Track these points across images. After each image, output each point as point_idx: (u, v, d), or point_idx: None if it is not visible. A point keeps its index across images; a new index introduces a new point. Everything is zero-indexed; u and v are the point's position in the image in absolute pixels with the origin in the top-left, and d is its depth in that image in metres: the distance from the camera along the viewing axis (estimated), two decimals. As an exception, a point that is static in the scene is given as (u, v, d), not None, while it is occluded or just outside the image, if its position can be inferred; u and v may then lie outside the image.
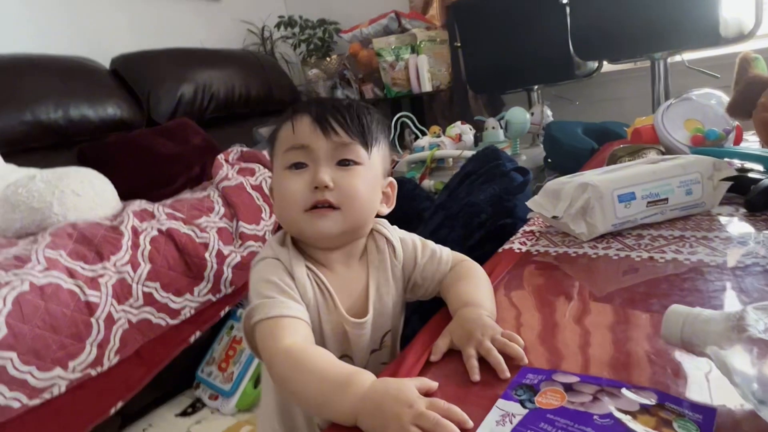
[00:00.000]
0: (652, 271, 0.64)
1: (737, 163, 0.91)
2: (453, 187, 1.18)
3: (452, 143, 1.95)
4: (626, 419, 0.36)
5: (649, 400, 0.38)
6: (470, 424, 0.40)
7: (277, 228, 1.44)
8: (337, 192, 0.57)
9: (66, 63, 1.88)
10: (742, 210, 0.80)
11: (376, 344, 0.64)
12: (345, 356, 0.61)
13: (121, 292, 1.16)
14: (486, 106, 2.52)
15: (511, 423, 0.38)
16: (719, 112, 1.01)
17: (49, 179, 1.32)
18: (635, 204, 0.76)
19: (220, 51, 2.43)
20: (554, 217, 0.79)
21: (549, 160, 1.77)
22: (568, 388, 0.42)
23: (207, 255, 1.31)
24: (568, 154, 1.61)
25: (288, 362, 0.49)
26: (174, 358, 1.25)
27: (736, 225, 0.76)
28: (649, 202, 0.76)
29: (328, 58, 2.81)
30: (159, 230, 1.28)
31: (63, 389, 1.04)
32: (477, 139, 2.00)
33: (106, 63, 2.07)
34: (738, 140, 1.04)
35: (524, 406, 0.40)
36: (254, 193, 1.51)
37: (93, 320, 1.10)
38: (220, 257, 1.33)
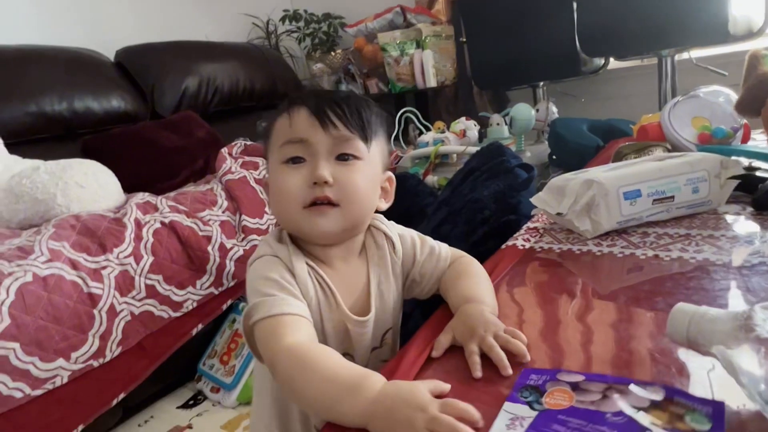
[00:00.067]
0: (657, 270, 0.64)
1: (745, 161, 0.90)
2: (457, 183, 1.17)
3: (456, 139, 1.94)
4: (639, 416, 0.36)
5: (658, 396, 0.38)
6: (482, 423, 0.39)
7: (280, 222, 1.44)
8: (337, 188, 0.55)
9: (71, 55, 1.87)
10: (749, 209, 0.79)
11: (377, 342, 0.63)
12: (346, 354, 0.60)
13: (124, 284, 1.16)
14: (491, 102, 2.51)
15: (522, 426, 0.37)
16: (727, 109, 1.00)
17: (53, 171, 1.32)
18: (641, 201, 0.75)
19: (225, 44, 2.42)
20: (558, 214, 0.79)
21: (554, 157, 1.76)
22: (575, 387, 0.41)
23: (209, 248, 1.31)
24: (573, 151, 1.60)
25: (292, 362, 0.47)
26: (176, 351, 1.26)
27: (743, 224, 0.75)
28: (655, 200, 0.75)
29: (332, 53, 2.80)
30: (162, 223, 1.28)
31: (65, 380, 1.05)
32: (481, 135, 2.00)
33: (110, 55, 2.07)
34: (746, 138, 1.02)
35: (533, 408, 0.39)
36: (257, 187, 1.51)
37: (95, 312, 1.10)
38: (223, 250, 1.33)
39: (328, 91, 0.67)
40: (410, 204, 1.40)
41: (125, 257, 1.18)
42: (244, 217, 1.42)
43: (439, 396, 0.43)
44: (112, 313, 1.13)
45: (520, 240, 0.81)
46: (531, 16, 2.04)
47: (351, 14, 2.79)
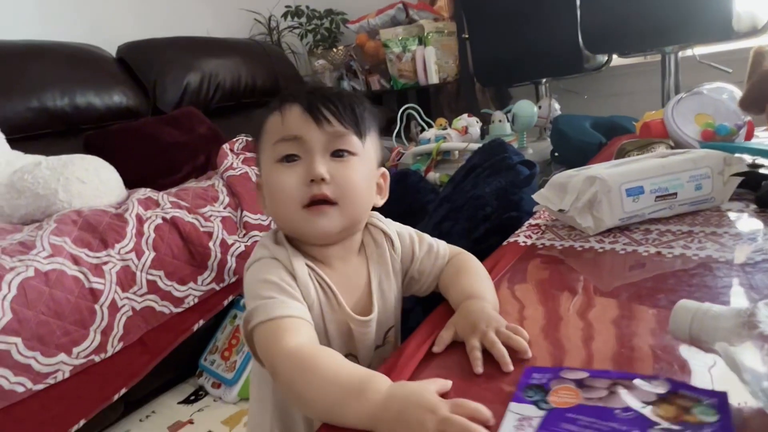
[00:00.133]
0: (660, 267, 0.64)
1: (748, 158, 0.89)
2: (458, 179, 1.17)
3: (458, 136, 1.94)
4: (647, 410, 0.36)
5: (663, 389, 0.38)
6: (494, 421, 0.38)
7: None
8: (334, 185, 0.54)
9: (72, 50, 1.87)
10: (753, 206, 0.78)
11: (380, 340, 0.63)
12: (350, 355, 0.60)
13: (125, 280, 1.16)
14: (493, 99, 2.50)
15: (532, 427, 0.37)
16: (731, 106, 1.00)
17: (54, 166, 1.32)
18: (643, 198, 0.75)
19: (227, 40, 2.42)
20: (560, 211, 0.78)
21: (556, 154, 1.76)
22: (580, 384, 0.41)
23: (211, 244, 1.31)
24: (575, 148, 1.59)
25: (294, 365, 0.46)
26: (177, 346, 1.26)
27: (746, 221, 0.75)
28: (657, 197, 0.75)
29: (334, 49, 2.80)
30: (163, 218, 1.28)
31: (67, 375, 1.05)
32: (483, 132, 1.99)
33: (112, 51, 2.07)
34: (749, 135, 1.02)
35: (539, 408, 0.39)
36: (259, 183, 1.51)
37: (97, 307, 1.10)
38: (224, 246, 1.33)
39: (320, 88, 0.66)
40: (412, 201, 1.40)
41: (126, 253, 1.18)
42: (245, 213, 1.42)
43: (442, 394, 0.42)
44: (114, 308, 1.13)
45: (521, 237, 0.81)
46: (534, 13, 2.03)
47: (353, 10, 2.78)
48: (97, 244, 1.16)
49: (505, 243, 0.80)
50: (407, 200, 1.40)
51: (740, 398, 0.37)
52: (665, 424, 0.34)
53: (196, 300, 1.29)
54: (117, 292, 1.14)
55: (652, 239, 0.71)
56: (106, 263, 1.14)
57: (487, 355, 0.48)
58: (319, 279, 0.57)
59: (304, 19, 2.84)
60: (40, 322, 1.01)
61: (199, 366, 1.44)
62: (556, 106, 2.07)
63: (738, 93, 0.99)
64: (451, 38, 2.43)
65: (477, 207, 1.00)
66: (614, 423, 0.35)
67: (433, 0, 2.57)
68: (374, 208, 0.63)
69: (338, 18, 2.84)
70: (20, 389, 0.98)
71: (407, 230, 0.66)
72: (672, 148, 1.02)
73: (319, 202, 0.54)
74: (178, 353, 1.27)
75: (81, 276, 1.09)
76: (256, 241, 1.39)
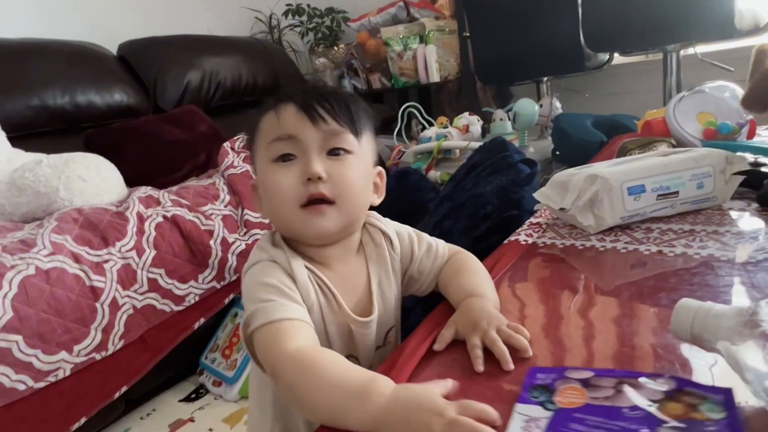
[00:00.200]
0: (661, 265, 0.63)
1: (750, 157, 0.89)
2: (459, 178, 1.17)
3: (459, 134, 1.94)
4: (655, 409, 0.35)
5: (669, 387, 0.37)
6: (501, 422, 0.38)
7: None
8: (331, 184, 0.53)
9: (73, 48, 1.87)
10: (755, 205, 0.78)
11: (381, 341, 0.62)
12: (350, 356, 0.59)
13: (126, 278, 1.16)
14: (494, 98, 2.50)
15: (539, 428, 0.36)
16: (733, 105, 0.99)
17: (55, 164, 1.32)
18: (645, 197, 0.74)
19: (228, 39, 2.42)
20: (562, 209, 0.78)
21: (557, 153, 1.75)
22: (586, 383, 0.40)
23: (211, 242, 1.31)
24: (576, 146, 1.59)
25: (295, 367, 0.45)
26: (178, 345, 1.26)
27: (748, 220, 0.75)
28: (659, 195, 0.75)
29: (335, 47, 2.79)
30: (164, 217, 1.28)
31: (68, 372, 1.05)
32: (484, 131, 1.99)
33: (113, 49, 2.07)
34: (752, 134, 1.02)
35: (546, 408, 0.38)
36: (260, 182, 1.51)
37: (98, 305, 1.10)
38: (225, 245, 1.33)
39: (315, 87, 0.66)
40: (412, 199, 1.40)
41: (127, 251, 1.18)
42: (246, 211, 1.42)
43: (447, 397, 0.41)
44: (115, 306, 1.13)
45: (522, 235, 0.81)
46: (535, 11, 2.03)
47: (354, 9, 2.78)
48: (98, 243, 1.16)
49: (505, 242, 0.80)
50: (408, 199, 1.40)
51: (742, 398, 0.37)
52: (674, 422, 0.34)
53: (197, 298, 1.29)
54: (118, 290, 1.14)
55: (654, 238, 0.71)
56: (106, 261, 1.14)
57: (488, 354, 0.48)
58: (319, 281, 0.56)
59: (305, 18, 2.84)
60: (41, 320, 1.01)
61: (200, 364, 1.44)
62: (558, 104, 2.06)
63: (740, 91, 0.99)
64: (453, 36, 2.42)
65: (478, 205, 1.00)
66: (623, 422, 0.35)
67: (434, -2, 2.57)
68: (372, 208, 0.62)
69: (339, 16, 2.83)
70: (21, 387, 0.98)
71: (406, 229, 0.66)
72: (674, 146, 1.02)
73: (316, 201, 0.54)
74: (178, 351, 1.27)
75: (82, 274, 1.09)
76: (256, 239, 1.39)
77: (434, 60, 2.36)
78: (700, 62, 1.83)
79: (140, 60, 2.06)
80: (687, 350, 0.44)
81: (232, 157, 1.57)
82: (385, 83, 2.61)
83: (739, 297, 0.54)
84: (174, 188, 1.46)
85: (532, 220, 0.88)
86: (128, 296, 1.16)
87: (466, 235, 0.97)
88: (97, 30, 2.12)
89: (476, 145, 1.59)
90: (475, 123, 1.97)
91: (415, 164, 1.89)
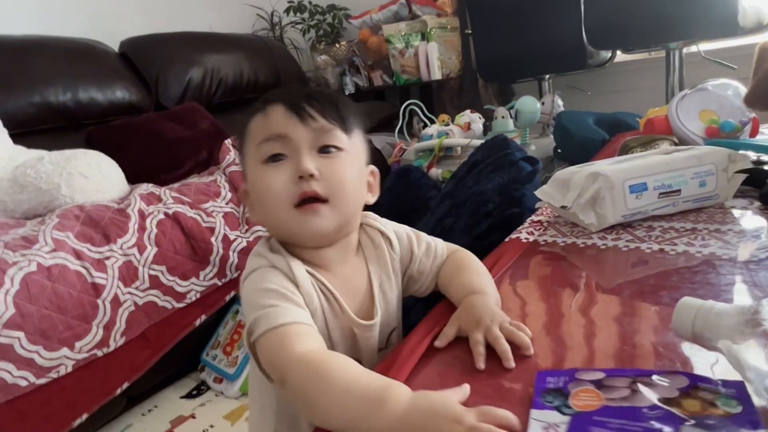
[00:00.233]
0: (663, 264, 0.63)
1: (753, 155, 0.89)
2: (461, 175, 1.17)
3: (461, 132, 1.93)
4: (673, 407, 0.35)
5: (683, 384, 0.37)
6: (521, 427, 0.37)
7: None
8: (324, 181, 0.53)
9: (75, 45, 1.87)
10: (757, 203, 0.78)
11: (383, 343, 0.62)
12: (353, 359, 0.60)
13: (128, 275, 1.16)
14: (496, 95, 2.49)
15: None
16: (736, 103, 0.99)
17: (57, 161, 1.33)
18: (647, 195, 0.74)
19: (229, 36, 2.41)
20: (563, 207, 0.78)
21: (559, 151, 1.75)
22: (599, 385, 0.39)
23: (213, 239, 1.31)
24: (578, 144, 1.59)
25: (306, 373, 0.43)
26: (179, 341, 1.26)
27: (750, 218, 0.74)
28: (661, 194, 0.75)
29: (337, 45, 2.79)
30: (165, 214, 1.28)
31: (69, 369, 1.05)
32: (486, 128, 1.98)
33: (114, 46, 2.07)
34: (754, 132, 1.01)
35: (562, 413, 0.37)
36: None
37: (99, 302, 1.10)
38: (226, 242, 1.34)
39: (302, 87, 0.66)
40: (414, 197, 1.40)
41: (129, 248, 1.18)
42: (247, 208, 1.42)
43: (464, 403, 0.41)
44: (116, 303, 1.13)
45: (523, 233, 0.81)
46: (537, 8, 2.02)
47: (356, 6, 2.77)
48: (100, 239, 1.16)
49: (507, 239, 0.80)
50: (409, 196, 1.40)
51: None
52: (694, 419, 0.34)
53: (198, 295, 1.29)
54: (119, 287, 1.14)
55: (655, 236, 0.71)
56: (108, 258, 1.14)
57: (489, 353, 0.48)
58: (321, 285, 0.55)
59: (306, 15, 2.83)
60: (43, 317, 1.01)
61: (201, 361, 1.44)
62: (560, 102, 2.06)
63: (743, 89, 0.98)
64: (454, 34, 2.42)
65: (479, 203, 1.00)
66: (644, 422, 0.34)
67: (436, -5, 2.56)
68: (371, 206, 0.61)
69: (341, 13, 2.83)
70: (23, 383, 0.99)
71: (404, 229, 0.65)
72: (676, 144, 1.01)
73: (310, 200, 0.53)
74: (180, 348, 1.27)
75: (83, 271, 1.10)
76: (258, 237, 1.39)
77: (436, 57, 2.36)
78: (703, 60, 1.82)
79: (142, 57, 2.06)
80: (688, 349, 0.44)
81: (234, 154, 1.57)
82: (386, 80, 2.60)
83: (741, 296, 0.54)
84: (175, 185, 1.46)
85: (534, 218, 0.88)
86: (130, 293, 1.16)
87: (467, 233, 0.97)
88: (99, 27, 2.12)
89: (478, 142, 1.59)
90: (477, 121, 1.96)
91: (417, 162, 1.89)
